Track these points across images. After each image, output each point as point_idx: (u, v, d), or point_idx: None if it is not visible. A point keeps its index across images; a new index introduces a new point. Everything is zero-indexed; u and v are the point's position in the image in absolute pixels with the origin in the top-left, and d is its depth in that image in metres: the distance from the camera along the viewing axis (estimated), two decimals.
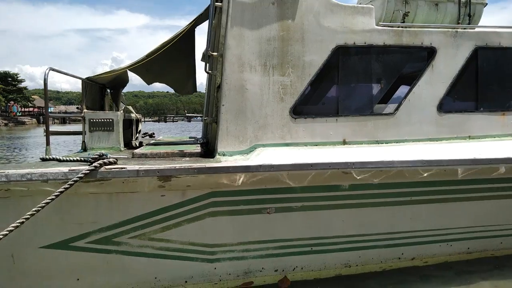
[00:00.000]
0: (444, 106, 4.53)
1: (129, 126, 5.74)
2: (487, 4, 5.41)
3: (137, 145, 5.56)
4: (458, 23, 4.94)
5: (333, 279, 4.33)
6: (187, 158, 3.93)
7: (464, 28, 4.76)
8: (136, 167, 3.26)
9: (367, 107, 4.46)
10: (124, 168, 3.24)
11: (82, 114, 4.56)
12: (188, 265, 3.85)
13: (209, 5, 4.75)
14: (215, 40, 4.35)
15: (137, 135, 6.24)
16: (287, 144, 4.11)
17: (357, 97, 4.51)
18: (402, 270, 4.52)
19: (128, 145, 5.31)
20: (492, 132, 4.67)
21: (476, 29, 4.90)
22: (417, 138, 4.44)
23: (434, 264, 4.65)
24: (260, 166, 3.58)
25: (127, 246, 3.63)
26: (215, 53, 4.20)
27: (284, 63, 4.08)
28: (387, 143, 4.36)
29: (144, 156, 3.97)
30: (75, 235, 3.47)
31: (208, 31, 4.86)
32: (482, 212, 4.54)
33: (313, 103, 4.44)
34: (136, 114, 6.21)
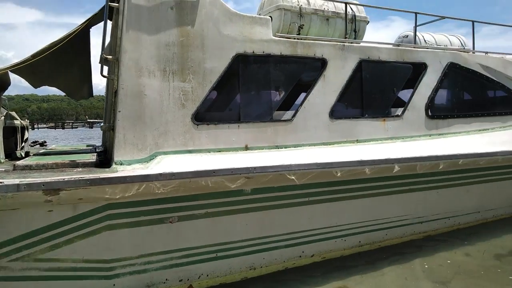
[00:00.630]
0: (335, 113, 4.94)
1: (13, 134, 5.10)
2: (369, 22, 6.07)
3: (23, 155, 4.97)
4: (345, 37, 5.44)
5: (239, 283, 4.40)
6: (80, 169, 3.64)
7: (351, 43, 5.27)
8: (16, 181, 2.90)
9: (267, 114, 4.64)
10: (1, 182, 2.86)
11: None
12: (83, 284, 3.55)
13: (104, 5, 4.49)
14: (113, 43, 4.13)
15: (23, 144, 5.57)
16: (189, 151, 4.07)
17: (258, 104, 4.68)
18: (304, 267, 4.81)
19: (11, 155, 4.72)
20: (376, 136, 5.23)
21: (361, 44, 5.47)
22: (313, 143, 4.76)
23: (332, 259, 5.03)
24: (161, 174, 3.49)
25: (7, 271, 3.20)
26: (110, 57, 3.97)
27: (184, 69, 4.04)
28: (286, 147, 4.60)
29: (28, 168, 3.56)
30: None
31: (103, 32, 4.58)
32: (370, 208, 5.05)
33: (215, 109, 4.48)
34: (22, 121, 5.54)
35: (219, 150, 4.22)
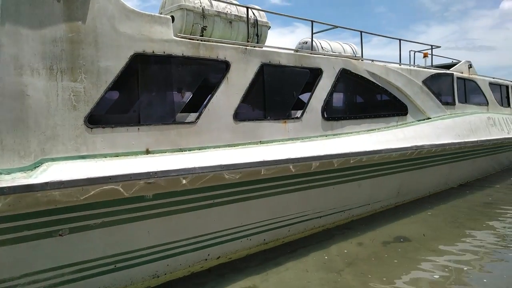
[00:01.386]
0: (239, 115, 5.02)
1: None
2: (270, 27, 6.32)
3: None
4: (248, 41, 5.57)
5: None
6: None
7: (253, 46, 5.41)
8: None
9: (169, 116, 4.52)
10: None
11: None
12: None
13: None
14: None
15: None
16: (82, 157, 3.75)
17: (159, 106, 4.52)
18: (210, 270, 4.80)
19: None
20: (278, 137, 5.45)
21: (263, 48, 5.66)
22: (217, 145, 4.77)
23: (238, 259, 5.11)
24: (47, 183, 3.15)
25: None
26: None
27: (75, 68, 3.71)
28: (190, 150, 4.53)
29: None
30: None
31: None
32: (273, 206, 5.25)
33: (113, 111, 4.22)
34: None
35: (117, 155, 3.97)
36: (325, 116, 6.06)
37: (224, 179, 4.42)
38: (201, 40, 4.83)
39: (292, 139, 5.57)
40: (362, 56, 7.41)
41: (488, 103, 10.59)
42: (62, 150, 3.62)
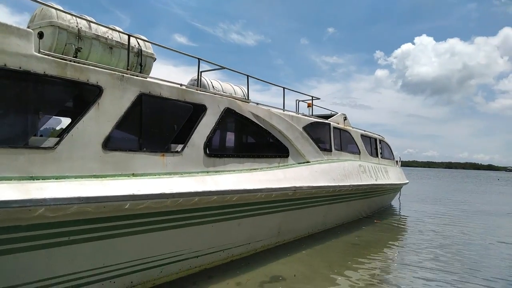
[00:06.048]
0: (110, 144, 4.65)
1: None
2: (156, 59, 6.23)
3: None
4: (128, 69, 5.35)
5: None
6: None
7: (132, 75, 5.20)
8: None
9: (20, 139, 3.94)
10: None
11: None
12: None
13: None
14: None
15: None
16: None
17: (8, 126, 3.93)
18: None
19: None
20: (154, 170, 5.17)
21: (144, 78, 5.48)
22: (80, 175, 4.30)
23: None
24: None
25: None
26: None
27: None
28: (45, 179, 3.97)
29: None
30: None
31: None
32: (143, 245, 4.83)
33: None
34: None
35: None
36: (207, 152, 6.01)
37: (82, 213, 3.93)
38: (71, 61, 4.46)
39: (170, 173, 5.33)
40: (248, 99, 7.72)
41: (360, 152, 11.87)
42: None
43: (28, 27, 4.94)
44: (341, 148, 10.61)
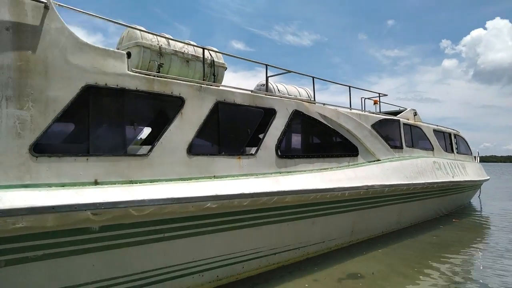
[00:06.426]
0: (193, 150, 5.08)
1: None
2: (227, 68, 6.63)
3: None
4: (204, 80, 5.79)
5: None
6: None
7: (209, 85, 5.62)
8: None
9: (120, 148, 4.50)
10: None
11: None
12: None
13: None
14: None
15: None
16: (25, 186, 3.62)
17: (110, 137, 4.51)
18: None
19: None
20: (232, 172, 5.52)
21: (219, 87, 5.89)
22: (170, 178, 4.76)
23: None
24: None
25: None
26: None
27: (22, 96, 3.68)
28: (142, 183, 4.48)
29: None
30: None
31: None
32: (227, 242, 5.18)
33: (60, 141, 4.15)
34: None
35: (63, 185, 3.86)
36: (279, 154, 6.25)
37: (176, 212, 4.36)
38: (157, 76, 4.97)
39: (246, 174, 5.66)
40: (314, 100, 7.85)
41: (433, 148, 11.34)
42: (3, 179, 3.47)
43: (117, 49, 5.60)
44: (412, 144, 10.25)
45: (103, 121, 4.48)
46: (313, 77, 7.91)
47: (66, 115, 3.99)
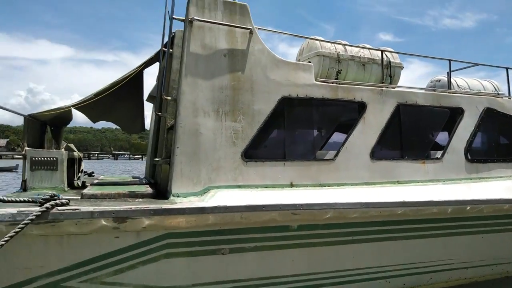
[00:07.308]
0: (376, 154, 5.07)
1: (72, 165, 5.50)
2: (403, 67, 6.36)
3: (79, 185, 5.33)
4: (382, 82, 5.70)
5: None
6: (140, 199, 3.90)
7: (387, 87, 5.52)
8: (91, 208, 3.18)
9: (310, 153, 4.85)
10: (78, 209, 3.13)
11: (24, 152, 4.33)
12: None
13: (159, 50, 4.97)
14: (164, 83, 4.55)
15: (79, 174, 5.96)
16: (239, 186, 4.28)
17: (302, 143, 4.91)
18: None
19: (70, 185, 5.07)
20: (416, 177, 5.28)
21: (397, 89, 5.71)
22: (354, 182, 4.87)
23: None
24: (215, 207, 3.69)
25: None
26: (168, 97, 4.37)
27: (235, 110, 4.36)
28: (329, 186, 4.73)
29: (94, 196, 3.86)
30: (22, 280, 3.19)
31: (159, 74, 5.04)
32: (415, 250, 4.98)
33: (263, 147, 4.72)
34: (78, 153, 5.98)
35: (266, 186, 4.41)
36: (469, 157, 5.66)
37: (365, 217, 4.45)
38: (338, 83, 5.16)
39: (432, 180, 5.33)
40: (510, 94, 6.79)
41: None
42: (223, 180, 4.21)
43: (298, 60, 6.03)
44: None
45: (295, 129, 4.92)
46: (506, 68, 6.85)
47: (266, 125, 4.55)
